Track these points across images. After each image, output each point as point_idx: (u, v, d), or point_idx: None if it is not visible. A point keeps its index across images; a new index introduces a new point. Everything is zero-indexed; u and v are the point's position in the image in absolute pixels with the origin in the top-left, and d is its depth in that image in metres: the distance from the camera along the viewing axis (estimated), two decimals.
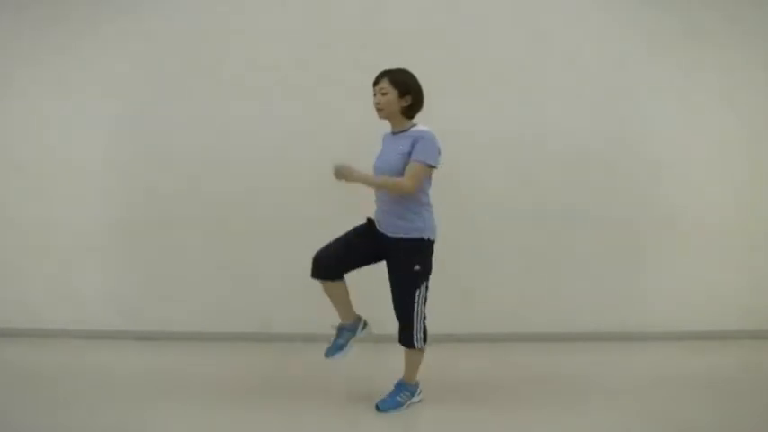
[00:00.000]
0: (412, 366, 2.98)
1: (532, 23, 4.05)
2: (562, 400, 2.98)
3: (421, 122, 2.91)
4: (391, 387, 3.00)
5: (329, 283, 2.90)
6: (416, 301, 2.85)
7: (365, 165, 2.90)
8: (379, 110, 2.84)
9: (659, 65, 4.09)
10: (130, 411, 2.84)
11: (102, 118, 4.10)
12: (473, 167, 4.01)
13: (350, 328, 3.01)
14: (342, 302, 2.97)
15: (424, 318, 2.91)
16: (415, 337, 2.88)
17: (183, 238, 4.08)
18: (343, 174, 2.74)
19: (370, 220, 2.95)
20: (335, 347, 2.99)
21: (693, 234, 4.10)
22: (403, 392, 2.97)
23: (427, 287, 2.89)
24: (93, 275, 4.13)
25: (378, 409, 2.91)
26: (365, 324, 3.06)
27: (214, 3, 4.07)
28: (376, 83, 2.86)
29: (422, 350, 2.95)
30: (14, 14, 4.08)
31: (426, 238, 2.84)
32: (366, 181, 2.78)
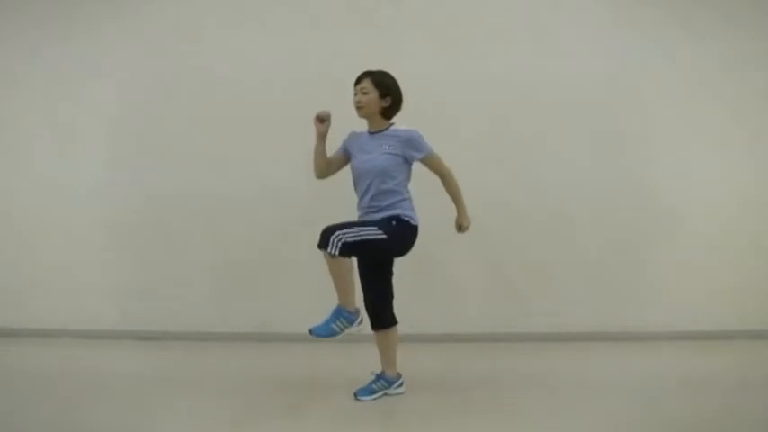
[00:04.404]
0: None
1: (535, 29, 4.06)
2: (562, 401, 2.98)
3: (398, 121, 2.93)
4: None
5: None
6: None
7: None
8: (358, 108, 2.89)
9: (660, 65, 4.10)
10: (130, 411, 2.83)
11: (102, 118, 4.10)
12: (472, 167, 4.00)
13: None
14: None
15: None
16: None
17: (183, 238, 4.08)
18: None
19: None
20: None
21: (693, 234, 4.11)
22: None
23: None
24: (93, 275, 4.13)
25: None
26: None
27: (214, 3, 4.07)
28: (357, 82, 2.90)
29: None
30: (15, 13, 4.09)
31: (402, 215, 2.83)
32: (465, 208, 2.99)
